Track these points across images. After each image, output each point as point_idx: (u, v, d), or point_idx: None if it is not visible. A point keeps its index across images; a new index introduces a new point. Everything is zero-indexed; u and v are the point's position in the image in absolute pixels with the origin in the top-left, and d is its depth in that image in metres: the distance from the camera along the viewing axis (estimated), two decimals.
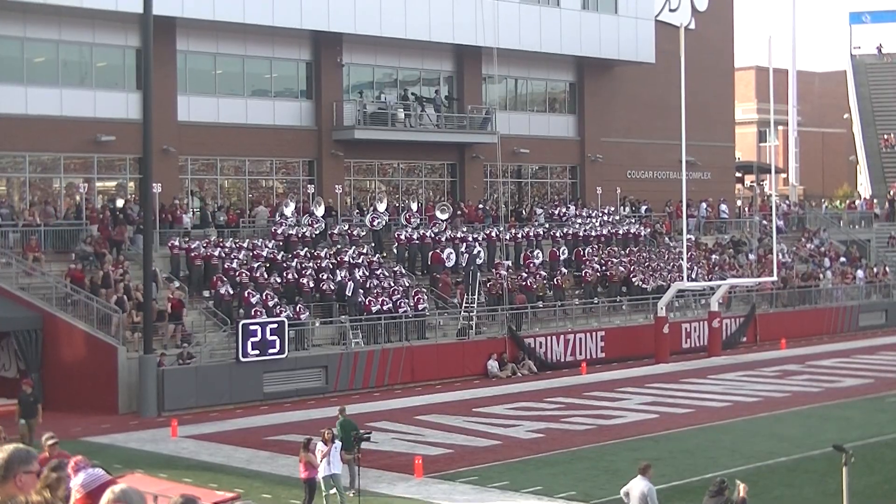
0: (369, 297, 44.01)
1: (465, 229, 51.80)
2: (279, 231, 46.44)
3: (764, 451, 29.75)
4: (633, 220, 59.56)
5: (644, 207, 61.97)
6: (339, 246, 47.22)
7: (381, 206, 50.47)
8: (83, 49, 46.52)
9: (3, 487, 7.09)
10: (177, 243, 43.18)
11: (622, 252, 55.31)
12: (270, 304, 41.31)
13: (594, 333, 48.67)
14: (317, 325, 42.87)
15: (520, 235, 52.88)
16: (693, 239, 58.16)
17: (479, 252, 50.04)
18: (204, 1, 46.61)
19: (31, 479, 7.23)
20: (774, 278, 55.13)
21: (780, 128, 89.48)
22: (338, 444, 24.37)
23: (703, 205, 63.71)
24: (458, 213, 53.59)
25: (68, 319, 38.34)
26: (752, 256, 60.99)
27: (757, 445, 30.66)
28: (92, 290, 39.24)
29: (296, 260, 44.91)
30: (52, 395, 37.09)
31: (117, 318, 37.95)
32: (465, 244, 50.20)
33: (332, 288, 43.96)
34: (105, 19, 45.48)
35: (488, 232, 51.99)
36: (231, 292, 41.54)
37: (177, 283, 41.91)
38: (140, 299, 38.58)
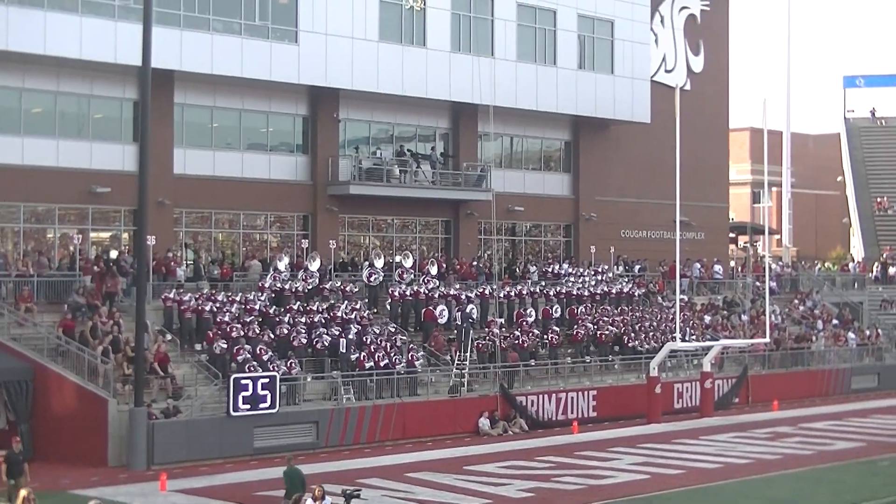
0: (362, 353, 43.93)
1: (458, 286, 51.78)
2: (266, 285, 46.36)
3: None
4: (627, 280, 59.60)
5: (638, 267, 62.04)
6: (331, 301, 47.17)
7: (379, 263, 50.43)
8: (81, 100, 46.67)
9: None
10: (171, 296, 43.14)
11: (615, 311, 55.29)
12: (264, 358, 41.27)
13: (586, 392, 48.54)
14: (308, 380, 42.74)
15: (513, 293, 52.87)
16: (686, 299, 58.17)
17: (472, 309, 50.00)
18: (202, 54, 46.87)
19: None
20: (767, 340, 55.11)
21: (774, 189, 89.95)
22: (328, 500, 24.25)
23: (697, 265, 63.81)
24: (451, 270, 53.60)
25: (59, 371, 38.18)
26: (744, 317, 60.98)
27: None
28: (81, 341, 39.12)
29: (288, 315, 44.84)
30: (42, 447, 36.92)
31: (103, 370, 37.80)
32: (458, 301, 50.16)
33: (325, 344, 43.87)
34: (103, 71, 45.67)
35: (482, 289, 52.00)
36: (224, 347, 41.41)
37: (169, 336, 41.83)
38: (130, 352, 38.50)
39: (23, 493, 17.39)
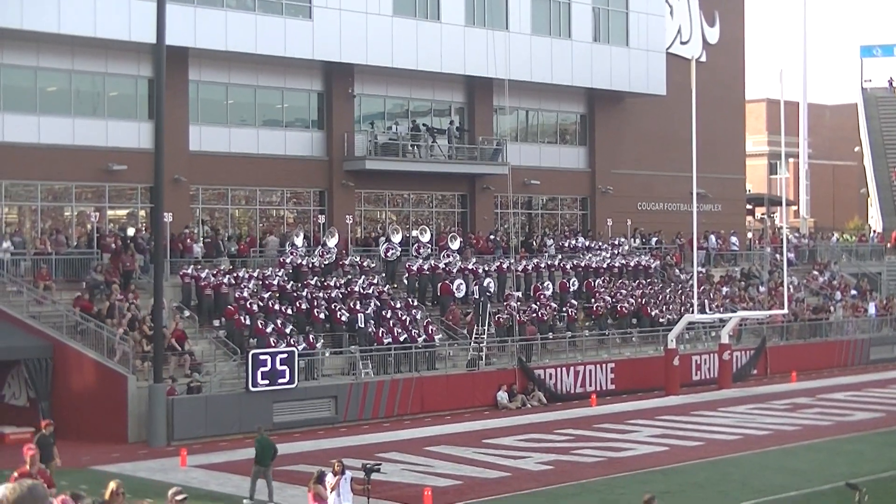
0: (380, 328, 44.00)
1: (475, 260, 51.79)
2: (287, 261, 46.45)
3: (774, 486, 29.61)
4: (644, 252, 59.52)
5: (654, 239, 61.96)
6: (349, 276, 47.24)
7: (396, 238, 50.48)
8: (96, 78, 46.71)
9: None
10: (188, 272, 43.23)
11: (632, 284, 55.25)
12: (283, 333, 41.36)
13: (604, 365, 48.57)
14: (327, 355, 42.84)
15: (530, 267, 52.85)
16: (703, 271, 58.10)
17: (489, 283, 50.02)
18: (216, 31, 46.83)
19: None
20: (785, 311, 55.04)
21: (791, 160, 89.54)
22: (347, 474, 24.27)
23: (713, 237, 63.65)
24: (468, 244, 53.59)
25: (78, 348, 38.33)
26: (762, 289, 60.89)
27: (767, 479, 30.53)
28: (100, 319, 39.24)
29: (306, 290, 44.92)
30: (62, 424, 36.94)
31: (122, 348, 37.92)
32: (475, 275, 50.19)
33: (344, 319, 43.97)
34: (118, 49, 45.69)
35: (499, 263, 51.99)
36: (247, 322, 41.49)
37: (187, 313, 41.94)
38: (148, 329, 38.62)
39: (112, 485, 17.12)
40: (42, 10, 42.77)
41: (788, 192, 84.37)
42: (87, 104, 46.56)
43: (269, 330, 41.00)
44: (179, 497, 17.45)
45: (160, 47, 37.48)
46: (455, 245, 51.77)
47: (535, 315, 49.05)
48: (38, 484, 7.19)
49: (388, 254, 49.61)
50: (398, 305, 46.49)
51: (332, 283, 46.01)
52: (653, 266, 58.18)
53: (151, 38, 38.60)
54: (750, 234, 72.96)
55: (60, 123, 45.25)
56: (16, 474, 18.46)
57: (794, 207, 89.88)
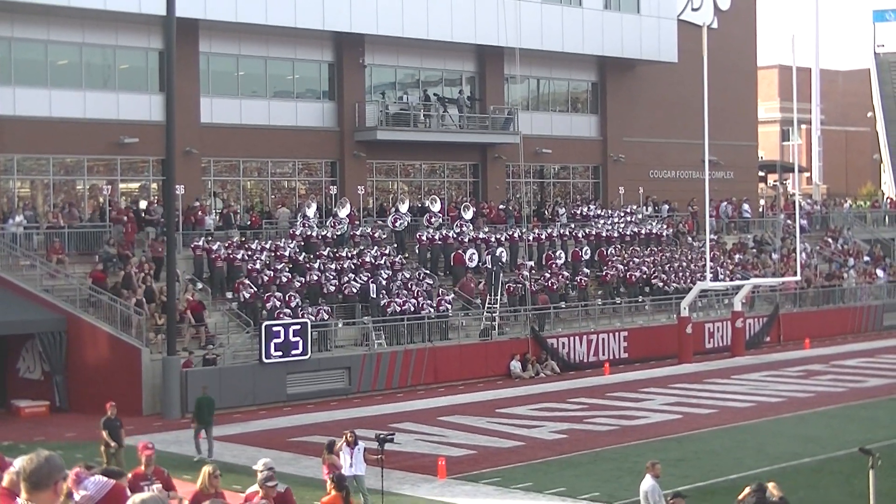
0: (392, 298, 44.03)
1: (487, 230, 51.77)
2: (297, 232, 46.47)
3: (789, 452, 29.66)
4: (656, 220, 59.44)
5: (666, 207, 61.85)
6: (361, 247, 47.27)
7: (404, 207, 50.50)
8: (106, 51, 46.67)
9: (43, 495, 7.06)
10: (200, 244, 43.24)
11: (644, 252, 55.20)
12: (293, 304, 41.41)
13: (617, 334, 48.59)
14: (339, 326, 42.89)
15: (542, 236, 52.83)
16: (716, 238, 58.03)
17: (501, 252, 50.01)
18: (226, 3, 46.70)
19: (63, 485, 7.29)
20: (798, 278, 54.94)
21: (804, 126, 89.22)
22: (361, 445, 24.38)
23: (724, 204, 63.47)
24: (479, 214, 53.55)
25: (92, 321, 38.43)
26: (775, 256, 60.78)
27: (781, 446, 30.57)
28: (114, 291, 39.32)
29: (318, 261, 44.95)
30: (77, 397, 37.27)
31: (138, 320, 38.01)
32: (487, 245, 50.18)
33: (355, 290, 44.00)
34: (128, 21, 45.60)
35: (511, 232, 51.97)
36: (248, 295, 41.45)
37: (199, 285, 41.99)
38: (162, 301, 38.69)
39: (207, 468, 17.12)
40: None
41: (801, 158, 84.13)
42: (97, 77, 46.53)
43: (278, 303, 41.04)
44: (270, 484, 17.13)
45: (170, 19, 37.41)
46: (468, 215, 51.78)
47: (547, 284, 49.06)
48: (54, 455, 7.22)
49: (396, 223, 49.61)
50: (409, 276, 46.52)
51: (344, 254, 46.03)
52: (665, 234, 58.11)
53: (161, 11, 38.52)
54: (762, 202, 72.77)
55: (71, 97, 45.23)
56: (130, 475, 18.13)
57: (807, 174, 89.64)
